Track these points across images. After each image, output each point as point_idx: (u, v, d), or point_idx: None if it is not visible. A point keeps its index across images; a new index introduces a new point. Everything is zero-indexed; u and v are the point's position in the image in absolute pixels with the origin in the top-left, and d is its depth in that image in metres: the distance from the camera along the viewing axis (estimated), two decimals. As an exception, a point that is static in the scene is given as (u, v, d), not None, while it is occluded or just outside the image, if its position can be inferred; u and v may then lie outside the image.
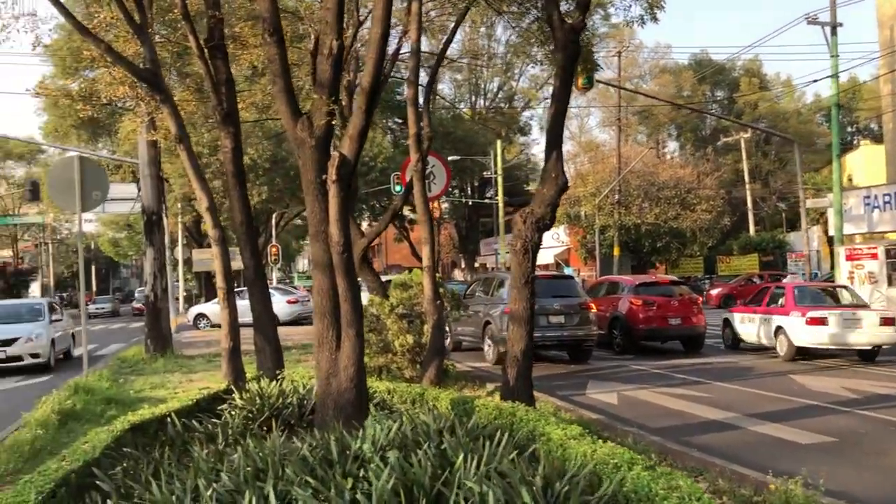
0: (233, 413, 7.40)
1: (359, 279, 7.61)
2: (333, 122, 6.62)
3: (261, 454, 5.21)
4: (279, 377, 9.51)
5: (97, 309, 50.40)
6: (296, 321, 28.10)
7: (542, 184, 8.51)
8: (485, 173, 46.69)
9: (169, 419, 7.06)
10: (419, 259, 39.52)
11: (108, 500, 4.66)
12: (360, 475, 4.49)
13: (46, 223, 60.74)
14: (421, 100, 12.21)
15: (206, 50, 9.28)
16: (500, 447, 4.79)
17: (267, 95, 13.37)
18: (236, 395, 8.01)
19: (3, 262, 56.80)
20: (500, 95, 53.35)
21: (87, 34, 9.36)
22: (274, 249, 40.42)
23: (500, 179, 41.33)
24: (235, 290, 31.07)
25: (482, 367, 14.30)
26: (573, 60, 8.50)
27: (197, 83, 11.88)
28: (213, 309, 28.80)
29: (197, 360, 16.09)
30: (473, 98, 52.99)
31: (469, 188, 54.36)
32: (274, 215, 42.21)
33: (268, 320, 10.51)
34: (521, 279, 8.22)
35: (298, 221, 49.26)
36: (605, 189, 37.79)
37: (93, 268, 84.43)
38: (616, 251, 37.98)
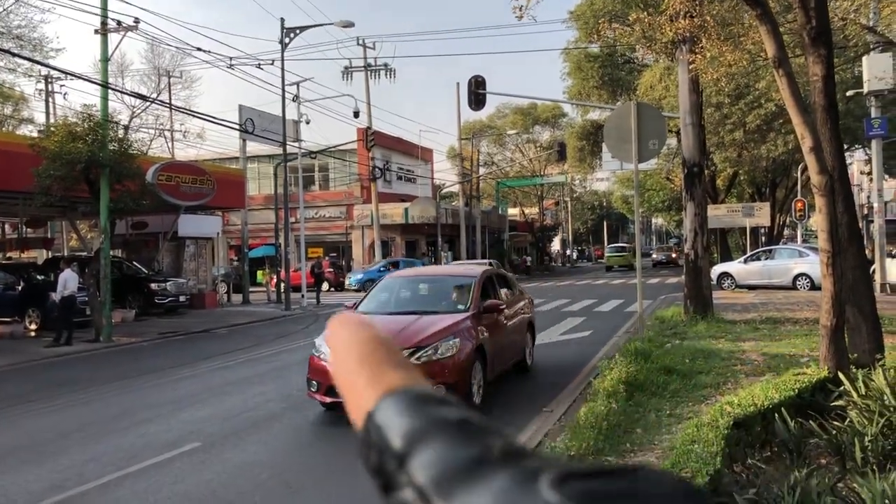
0: (861, 417, 5.61)
1: None
2: None
3: None
4: (880, 363, 7.40)
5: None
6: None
7: None
8: None
9: (777, 416, 5.61)
10: None
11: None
12: None
13: (566, 183, 65.34)
14: None
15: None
16: None
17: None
18: (852, 390, 6.20)
19: (531, 219, 62.72)
20: None
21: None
22: (799, 204, 36.53)
23: None
24: (757, 250, 28.64)
25: None
26: None
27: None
28: (737, 268, 26.96)
29: (740, 325, 14.50)
30: None
31: None
32: (800, 167, 38.08)
33: (865, 290, 8.37)
34: None
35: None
36: None
37: (604, 224, 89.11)
38: None
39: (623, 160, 11.17)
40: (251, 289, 33.61)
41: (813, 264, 25.13)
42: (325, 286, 35.23)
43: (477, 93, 22.40)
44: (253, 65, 34.55)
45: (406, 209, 40.48)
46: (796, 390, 6.29)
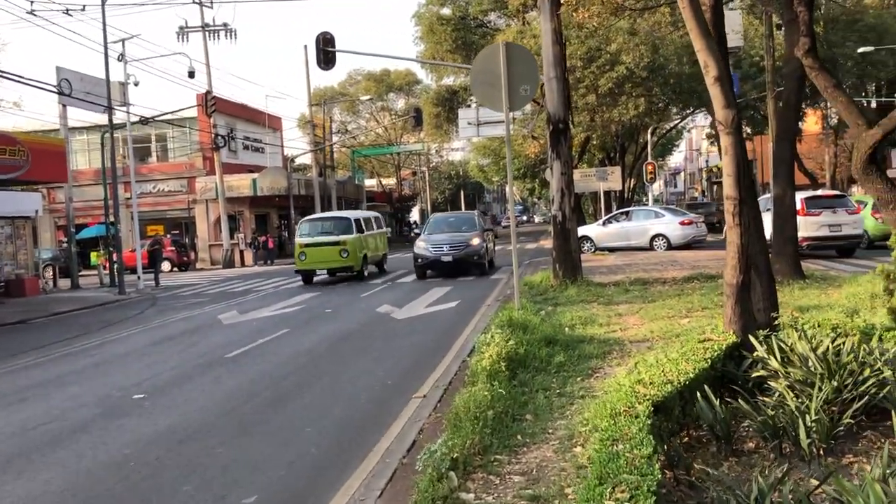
0: (788, 392, 4.73)
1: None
2: None
3: None
4: (775, 323, 6.72)
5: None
6: (688, 245, 24.97)
7: None
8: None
9: (700, 395, 4.64)
10: (809, 176, 33.55)
11: None
12: None
13: (424, 152, 64.35)
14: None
15: None
16: None
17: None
18: (769, 358, 5.35)
19: (390, 189, 61.44)
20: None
21: None
22: (650, 167, 37.32)
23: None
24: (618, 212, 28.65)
25: None
26: None
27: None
28: (596, 231, 26.80)
29: (610, 288, 13.92)
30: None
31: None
32: (649, 130, 38.90)
33: (759, 244, 7.69)
34: None
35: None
36: None
37: (461, 193, 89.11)
38: None
39: (492, 107, 10.05)
40: (84, 272, 30.45)
41: (668, 224, 25.45)
42: (166, 266, 32.49)
43: (326, 50, 20.72)
44: (61, 10, 30.40)
45: (254, 180, 38.00)
46: (709, 360, 5.36)
